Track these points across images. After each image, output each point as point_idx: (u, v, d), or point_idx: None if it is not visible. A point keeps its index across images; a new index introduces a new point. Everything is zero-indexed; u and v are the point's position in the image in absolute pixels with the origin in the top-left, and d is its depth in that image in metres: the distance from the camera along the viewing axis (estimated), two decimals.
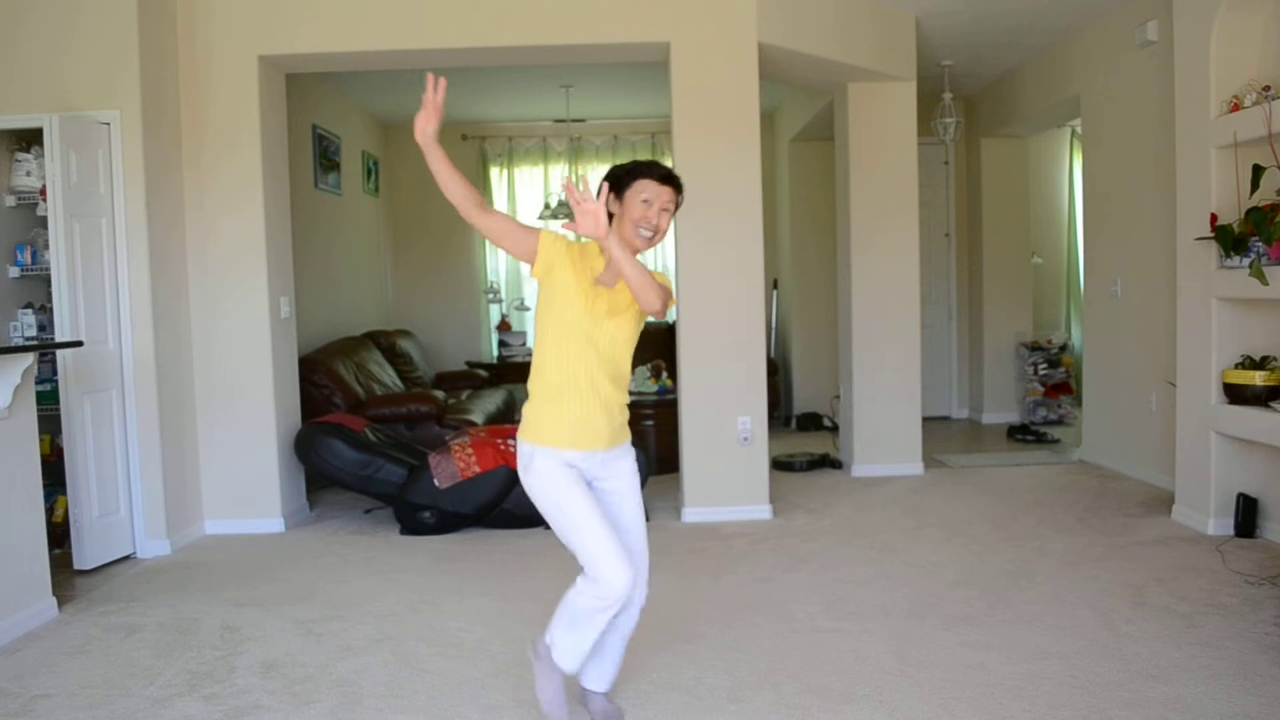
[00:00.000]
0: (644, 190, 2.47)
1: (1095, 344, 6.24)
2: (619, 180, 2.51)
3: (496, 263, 8.79)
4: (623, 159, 8.55)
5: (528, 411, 2.52)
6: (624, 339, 2.51)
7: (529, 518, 4.91)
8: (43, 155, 4.27)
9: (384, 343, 7.28)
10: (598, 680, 2.67)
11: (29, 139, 4.52)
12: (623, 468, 2.58)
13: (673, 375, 6.01)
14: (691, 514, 5.06)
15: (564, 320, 2.45)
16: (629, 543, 2.53)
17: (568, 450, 2.46)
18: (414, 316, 8.70)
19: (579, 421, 2.45)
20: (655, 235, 2.49)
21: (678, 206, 2.57)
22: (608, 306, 2.47)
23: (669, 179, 2.51)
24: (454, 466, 4.79)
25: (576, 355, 2.45)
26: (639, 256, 2.54)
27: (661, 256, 8.34)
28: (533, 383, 2.52)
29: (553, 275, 2.46)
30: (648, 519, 4.98)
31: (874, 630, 3.36)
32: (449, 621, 3.57)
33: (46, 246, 4.38)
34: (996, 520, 4.85)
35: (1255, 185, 4.00)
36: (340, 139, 7.28)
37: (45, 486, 3.82)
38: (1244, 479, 4.41)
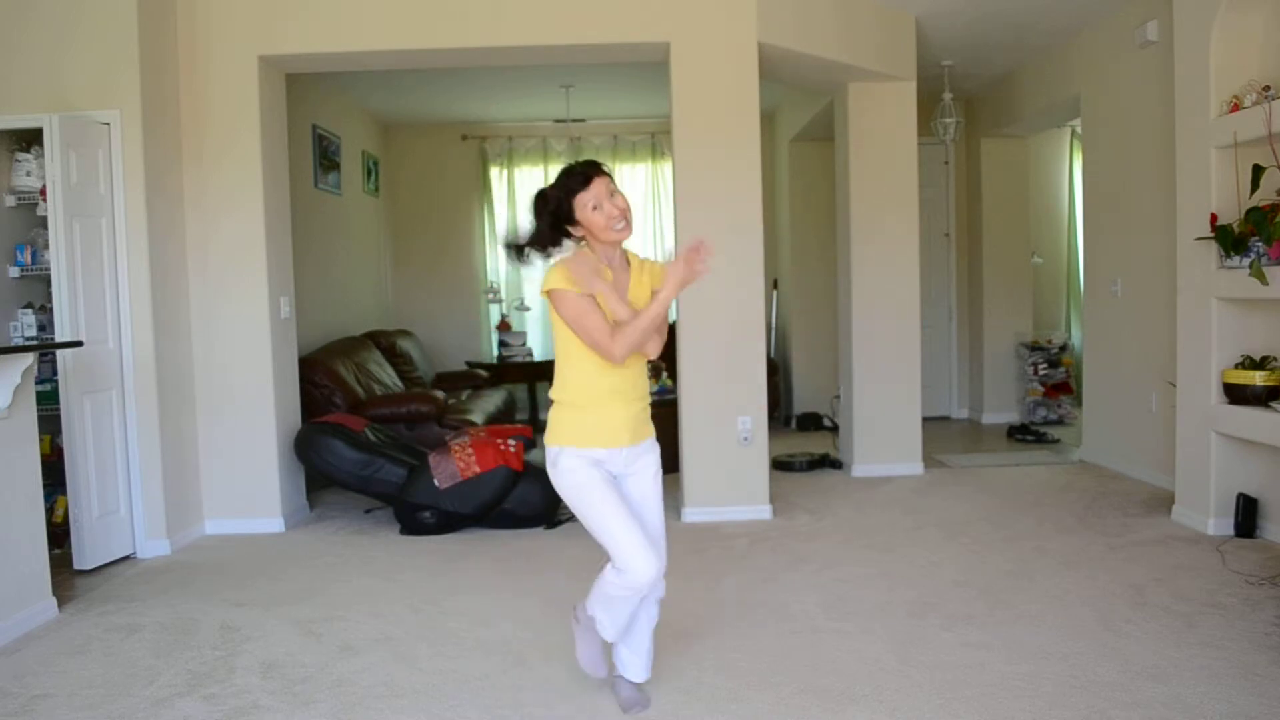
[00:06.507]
0: (586, 200, 2.53)
1: (1095, 344, 6.24)
2: (558, 215, 2.56)
3: (496, 262, 8.79)
4: (623, 159, 8.63)
5: (553, 416, 2.66)
6: None
7: (529, 518, 4.91)
8: (43, 155, 4.27)
9: (384, 343, 7.28)
10: (635, 671, 2.82)
11: (29, 139, 4.51)
12: (647, 463, 2.70)
13: (673, 375, 6.01)
14: (691, 514, 5.06)
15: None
16: (649, 536, 2.64)
17: (592, 449, 2.59)
18: (414, 316, 8.70)
19: (602, 423, 2.60)
20: (627, 222, 2.56)
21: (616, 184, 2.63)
22: (633, 308, 2.58)
23: (589, 174, 2.54)
24: (454, 466, 4.80)
25: (596, 366, 2.58)
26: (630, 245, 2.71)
27: (661, 256, 8.34)
28: (556, 391, 2.66)
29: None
30: None
31: (874, 630, 3.36)
32: (449, 621, 3.57)
33: (46, 246, 4.38)
34: (996, 520, 4.85)
35: (1255, 185, 4.00)
36: (340, 139, 7.28)
37: (45, 486, 3.82)
38: (1244, 479, 4.41)
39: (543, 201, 2.58)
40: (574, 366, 2.60)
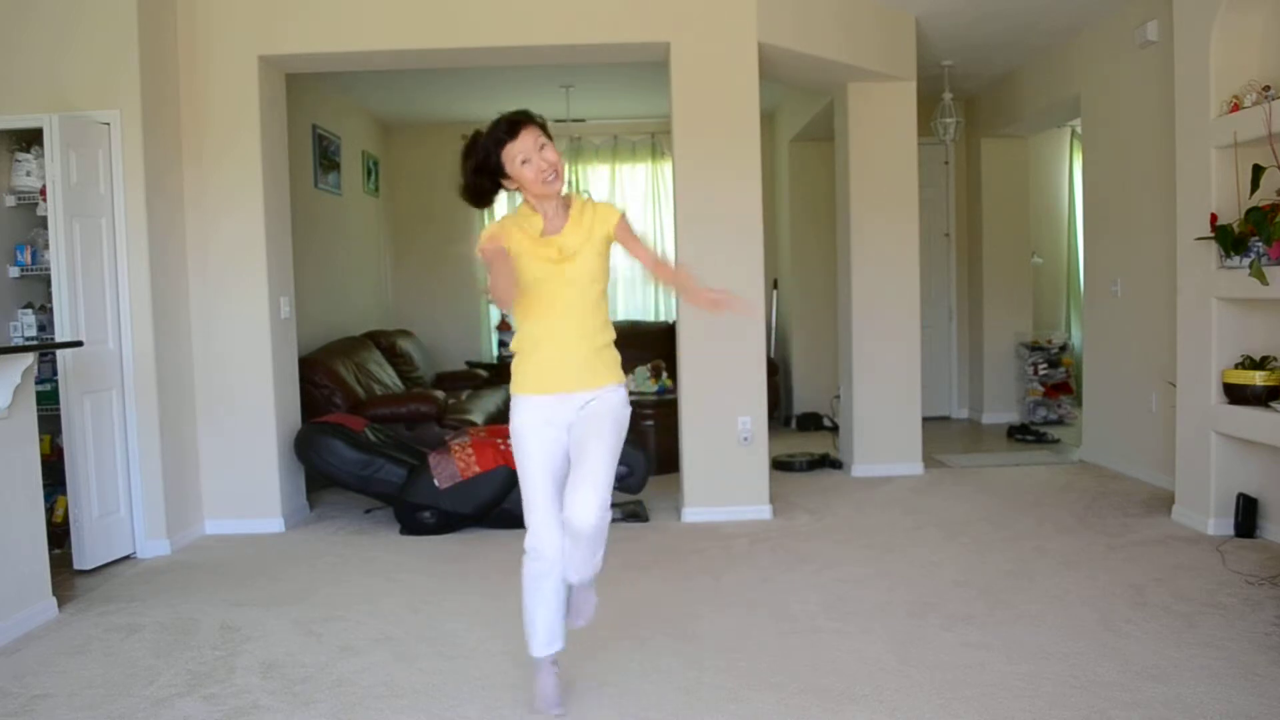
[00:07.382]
0: (514, 153, 2.51)
1: (1095, 344, 6.24)
2: (488, 166, 2.53)
3: None
4: (623, 159, 8.62)
5: (512, 366, 2.69)
6: (588, 278, 2.60)
7: None
8: (43, 155, 4.27)
9: (384, 343, 7.28)
10: (570, 572, 2.69)
11: (29, 139, 4.51)
12: (597, 406, 2.61)
13: (673, 375, 6.01)
14: (691, 514, 5.06)
15: (529, 279, 2.57)
16: (583, 466, 2.56)
17: (539, 395, 2.61)
18: (414, 316, 8.69)
19: (548, 368, 2.61)
20: (558, 175, 2.53)
21: (549, 134, 2.58)
22: (559, 252, 2.57)
23: (517, 124, 2.51)
24: (454, 466, 4.79)
25: (545, 306, 2.59)
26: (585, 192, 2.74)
27: (660, 250, 8.33)
28: (514, 341, 2.70)
29: (511, 249, 2.54)
30: (647, 519, 5.01)
31: (874, 630, 3.36)
32: (449, 621, 3.57)
33: (46, 246, 4.38)
34: (996, 520, 4.85)
35: (1255, 185, 4.00)
36: (340, 139, 7.28)
37: (45, 486, 3.82)
38: (1244, 479, 4.41)
39: (473, 148, 2.56)
40: (522, 308, 2.61)
